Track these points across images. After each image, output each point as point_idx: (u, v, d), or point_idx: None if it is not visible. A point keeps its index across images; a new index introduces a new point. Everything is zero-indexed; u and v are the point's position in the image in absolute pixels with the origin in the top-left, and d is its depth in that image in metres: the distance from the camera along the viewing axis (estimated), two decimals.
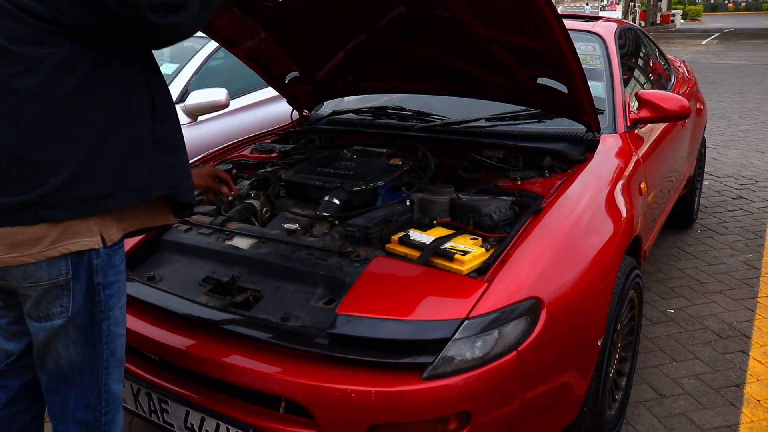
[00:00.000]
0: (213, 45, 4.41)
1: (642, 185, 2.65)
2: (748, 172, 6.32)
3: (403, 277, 1.85)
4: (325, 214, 2.30)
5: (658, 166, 3.13)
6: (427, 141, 2.80)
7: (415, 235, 2.08)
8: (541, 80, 2.48)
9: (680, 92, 4.15)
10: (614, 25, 3.45)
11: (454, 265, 1.89)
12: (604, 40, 3.19)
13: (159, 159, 1.53)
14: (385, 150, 2.81)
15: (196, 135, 4.07)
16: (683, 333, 3.28)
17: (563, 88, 2.41)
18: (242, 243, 2.19)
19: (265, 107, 4.48)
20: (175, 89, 4.11)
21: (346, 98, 3.78)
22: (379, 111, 3.22)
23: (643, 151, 2.92)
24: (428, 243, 1.99)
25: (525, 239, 1.95)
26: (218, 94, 4.00)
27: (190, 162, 2.99)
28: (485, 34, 2.24)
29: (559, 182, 2.32)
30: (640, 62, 3.93)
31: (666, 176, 3.37)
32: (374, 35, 2.58)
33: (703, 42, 23.37)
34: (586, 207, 2.19)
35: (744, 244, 4.48)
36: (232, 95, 4.31)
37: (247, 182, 2.66)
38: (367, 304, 1.78)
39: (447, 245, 1.98)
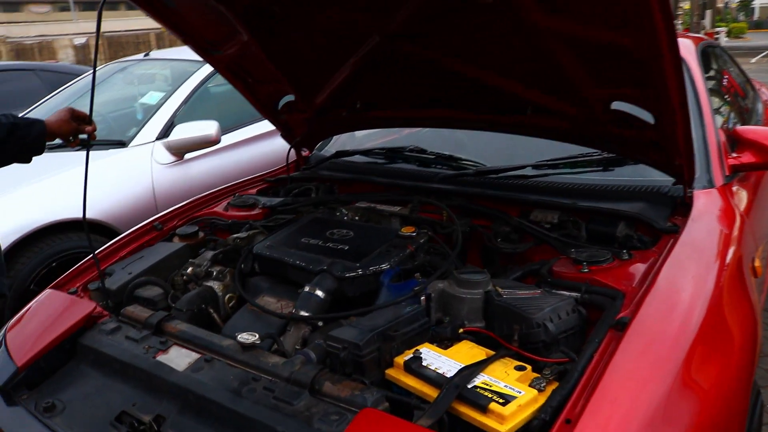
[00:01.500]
0: (208, 69, 3.79)
1: (756, 263, 1.89)
2: None
3: None
4: (303, 312, 1.61)
5: (757, 226, 2.36)
6: (454, 196, 2.10)
7: (431, 355, 1.38)
8: (616, 105, 1.77)
9: None
10: (694, 43, 2.70)
11: (489, 422, 1.18)
12: (685, 63, 2.45)
13: None
14: (398, 209, 2.11)
15: (181, 177, 3.43)
16: None
17: (648, 118, 1.69)
18: (179, 360, 1.51)
19: (266, 142, 3.81)
20: (158, 122, 3.50)
21: (359, 133, 3.13)
22: (394, 153, 2.53)
23: (742, 208, 2.16)
24: (449, 376, 1.29)
25: (605, 375, 1.22)
26: (207, 127, 3.37)
27: (158, 216, 2.37)
28: (546, 26, 1.53)
29: (644, 267, 1.58)
30: (726, 89, 3.17)
31: (764, 236, 2.59)
32: (388, 37, 1.90)
33: (753, 60, 22.16)
34: (690, 310, 1.45)
35: None
36: (230, 128, 3.68)
37: (211, 253, 1.99)
38: None
39: (478, 381, 1.27)
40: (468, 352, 1.40)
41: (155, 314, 1.68)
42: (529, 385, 1.25)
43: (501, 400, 1.20)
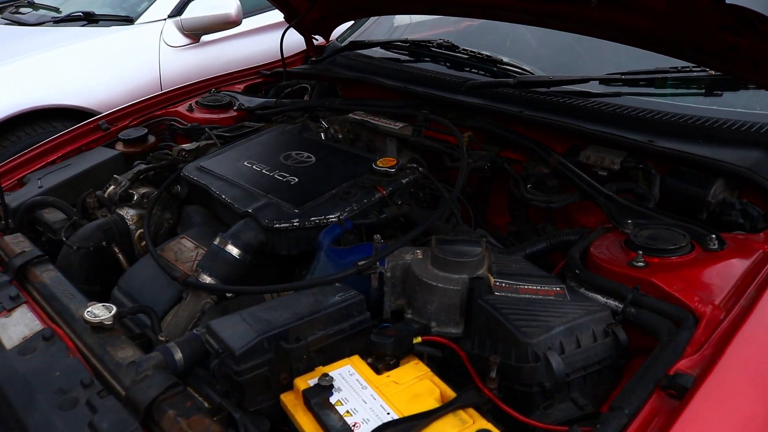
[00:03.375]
0: None
1: None
2: None
3: None
4: (205, 276, 1.10)
5: None
6: (482, 114, 1.49)
7: (350, 384, 0.86)
8: None
9: None
10: None
11: None
12: None
13: None
14: (399, 126, 1.52)
15: (193, 63, 2.93)
16: None
17: None
18: (16, 330, 1.06)
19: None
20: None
21: (405, 21, 2.49)
22: (419, 48, 1.90)
23: None
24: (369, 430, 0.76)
25: None
26: (226, 5, 2.83)
27: (109, 113, 1.89)
28: None
29: (743, 267, 0.95)
30: None
31: None
32: None
33: None
34: None
35: None
36: (256, 11, 3.12)
37: (137, 169, 1.49)
38: None
39: None
40: (410, 387, 0.85)
41: (24, 254, 1.22)
42: None
43: None
